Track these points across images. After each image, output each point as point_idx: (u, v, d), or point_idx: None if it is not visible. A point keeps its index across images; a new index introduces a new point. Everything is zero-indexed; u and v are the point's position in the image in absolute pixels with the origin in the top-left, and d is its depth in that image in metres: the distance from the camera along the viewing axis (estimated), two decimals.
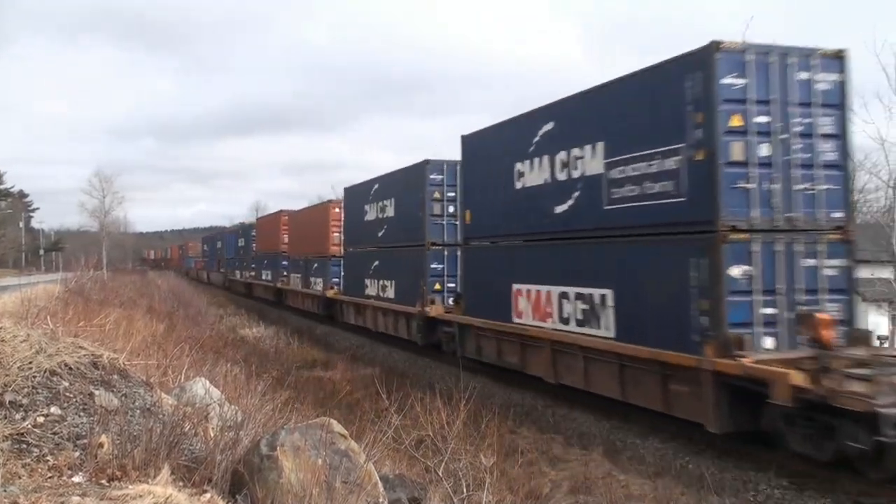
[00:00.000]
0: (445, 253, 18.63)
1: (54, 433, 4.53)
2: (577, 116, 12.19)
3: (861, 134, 16.27)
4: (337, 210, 27.94)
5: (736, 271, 9.08)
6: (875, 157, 22.92)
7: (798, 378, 7.89)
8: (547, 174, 12.85)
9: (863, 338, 9.11)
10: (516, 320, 13.75)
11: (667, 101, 9.98)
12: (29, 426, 4.48)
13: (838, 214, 9.53)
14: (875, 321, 18.37)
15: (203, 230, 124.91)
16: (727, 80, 9.19)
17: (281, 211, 38.64)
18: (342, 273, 26.77)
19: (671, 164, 9.85)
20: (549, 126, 12.90)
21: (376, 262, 22.31)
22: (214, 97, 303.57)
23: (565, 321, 12.23)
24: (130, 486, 3.94)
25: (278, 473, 4.37)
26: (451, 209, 18.66)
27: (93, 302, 15.52)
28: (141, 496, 3.79)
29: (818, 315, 8.19)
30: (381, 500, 4.73)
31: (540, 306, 13.01)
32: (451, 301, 18.20)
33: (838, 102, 9.58)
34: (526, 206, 13.57)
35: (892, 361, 7.98)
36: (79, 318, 9.36)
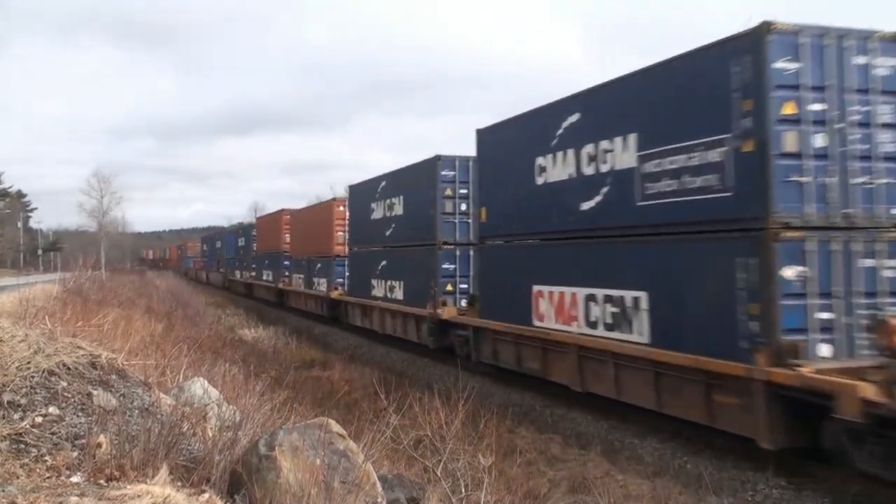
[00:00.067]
0: (458, 253, 17.83)
1: (52, 433, 4.51)
2: (607, 107, 11.43)
3: None
4: (341, 209, 27.22)
5: (789, 272, 8.32)
6: None
7: (869, 390, 7.12)
8: (572, 168, 12.09)
9: None
10: (537, 324, 12.99)
11: (710, 88, 9.22)
12: (27, 426, 4.46)
13: None
14: None
15: (201, 230, 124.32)
16: (779, 65, 8.43)
17: (282, 210, 37.78)
18: (347, 273, 26.00)
19: (715, 156, 9.09)
20: (574, 118, 12.14)
21: (384, 263, 21.53)
22: (213, 97, 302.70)
23: (592, 325, 11.47)
24: (129, 486, 3.92)
25: (276, 473, 4.34)
26: (464, 207, 17.89)
27: (91, 302, 15.25)
28: (139, 496, 3.76)
29: (893, 321, 7.42)
30: (379, 499, 4.71)
31: (564, 309, 12.25)
32: (463, 303, 17.45)
33: None
34: (548, 202, 12.80)
35: None
36: (77, 318, 9.26)
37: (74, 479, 4.12)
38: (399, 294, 20.15)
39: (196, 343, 11.63)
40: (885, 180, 8.65)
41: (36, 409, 4.64)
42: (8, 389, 4.70)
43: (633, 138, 10.60)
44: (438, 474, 5.84)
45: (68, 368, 5.11)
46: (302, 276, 31.78)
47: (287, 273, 35.15)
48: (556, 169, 12.56)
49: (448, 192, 17.84)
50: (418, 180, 18.97)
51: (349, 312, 25.30)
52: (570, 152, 12.12)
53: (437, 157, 17.88)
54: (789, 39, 8.49)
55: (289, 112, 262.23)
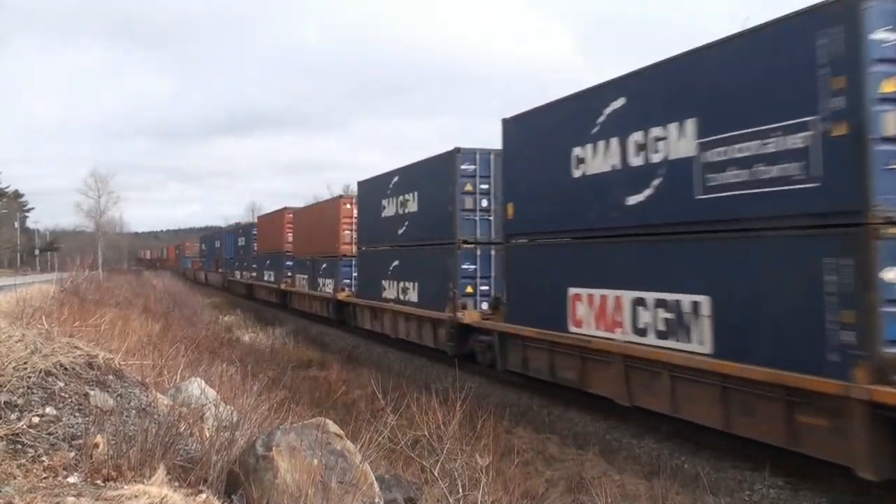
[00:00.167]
0: (478, 252, 16.58)
1: (49, 433, 4.50)
2: (659, 90, 10.26)
3: None
4: (348, 206, 26.01)
5: (892, 275, 7.20)
6: None
7: None
8: (616, 159, 10.95)
9: None
10: (574, 330, 11.84)
11: (790, 65, 8.09)
12: (24, 426, 4.45)
13: None
14: None
15: (199, 230, 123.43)
16: (878, 35, 7.29)
17: (285, 208, 36.40)
18: (355, 274, 24.81)
19: (796, 141, 7.95)
20: (618, 103, 10.98)
21: (396, 262, 20.31)
22: (210, 97, 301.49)
23: (641, 332, 10.32)
24: (126, 487, 3.91)
25: (274, 474, 4.32)
26: (485, 203, 16.69)
27: (88, 302, 15.11)
28: (136, 496, 3.74)
29: None
30: (376, 500, 4.69)
31: (606, 314, 11.10)
32: (484, 306, 16.30)
33: None
34: (587, 197, 11.65)
35: None
36: (74, 319, 9.22)
37: (71, 479, 4.10)
38: (413, 296, 18.95)
39: (193, 343, 11.36)
40: None
41: (33, 410, 4.64)
42: (5, 390, 4.69)
43: (691, 124, 9.45)
44: (436, 474, 5.80)
45: (65, 369, 5.12)
46: (306, 276, 30.64)
47: (290, 273, 34.00)
48: (596, 160, 11.40)
49: (468, 187, 16.60)
50: (435, 175, 17.73)
51: (357, 315, 24.00)
52: (614, 141, 10.97)
53: (457, 150, 16.65)
54: (889, 7, 7.37)
55: (287, 112, 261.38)
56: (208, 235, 73.83)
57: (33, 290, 16.79)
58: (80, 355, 5.39)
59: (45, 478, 4.09)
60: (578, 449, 10.64)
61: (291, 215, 34.88)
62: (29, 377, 4.88)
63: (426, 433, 6.54)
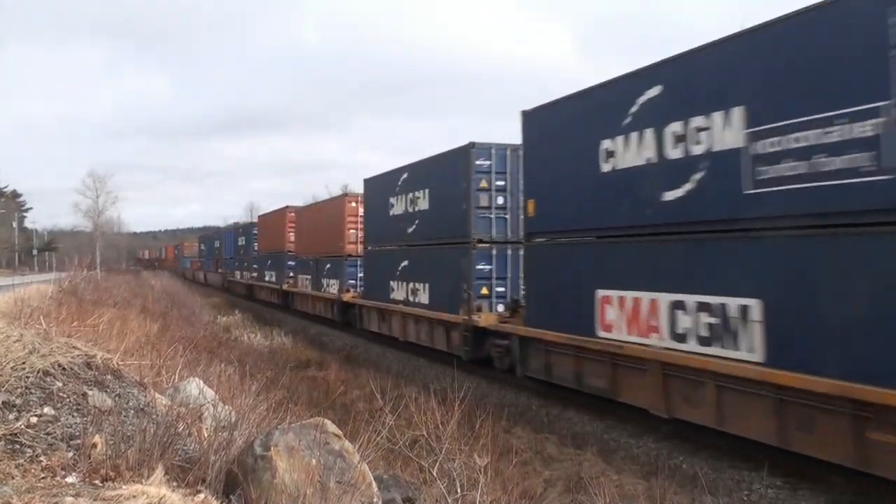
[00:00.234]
0: (494, 252, 15.77)
1: (48, 433, 4.47)
2: (701, 76, 9.50)
3: None
4: (353, 204, 25.23)
5: None
6: None
7: None
8: (651, 152, 10.20)
9: None
10: (603, 335, 11.08)
11: (857, 46, 7.36)
12: (22, 426, 4.43)
13: None
14: None
15: (197, 230, 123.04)
16: None
17: (287, 207, 35.56)
18: (360, 274, 24.05)
19: (865, 129, 7.19)
20: (654, 91, 10.23)
21: (405, 263, 19.51)
22: (208, 97, 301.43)
23: (680, 338, 9.56)
24: (124, 487, 3.87)
25: (272, 474, 4.30)
26: (501, 200, 15.86)
27: (86, 302, 15.00)
28: (135, 496, 3.70)
29: None
30: (375, 500, 4.68)
31: (639, 318, 10.35)
32: (500, 308, 15.54)
33: None
34: (617, 192, 10.89)
35: None
36: (72, 319, 9.24)
37: (70, 479, 4.08)
38: (424, 298, 18.15)
39: (192, 343, 11.23)
40: None
41: (31, 410, 4.63)
42: (3, 390, 4.69)
43: (738, 112, 8.71)
44: (434, 474, 5.79)
45: (63, 369, 5.12)
46: (309, 277, 29.89)
47: (292, 274, 33.26)
48: (628, 153, 10.65)
49: (483, 183, 15.79)
50: (448, 171, 16.89)
51: (364, 317, 23.13)
52: (649, 133, 10.22)
53: (472, 145, 15.84)
54: None
55: (285, 112, 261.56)
56: (208, 235, 73.15)
57: (31, 290, 16.79)
58: (78, 355, 5.40)
59: (43, 478, 4.07)
60: (577, 449, 10.64)
61: (293, 214, 34.11)
62: (27, 377, 4.89)
63: (424, 433, 6.51)
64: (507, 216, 15.86)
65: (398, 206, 19.97)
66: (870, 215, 7.20)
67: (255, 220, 48.81)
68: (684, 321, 9.51)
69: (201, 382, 6.89)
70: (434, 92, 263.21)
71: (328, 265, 26.98)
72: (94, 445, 4.30)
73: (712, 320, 9.04)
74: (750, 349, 8.48)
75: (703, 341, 9.16)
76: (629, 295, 10.58)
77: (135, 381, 5.66)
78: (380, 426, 6.10)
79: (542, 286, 13.01)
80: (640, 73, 10.61)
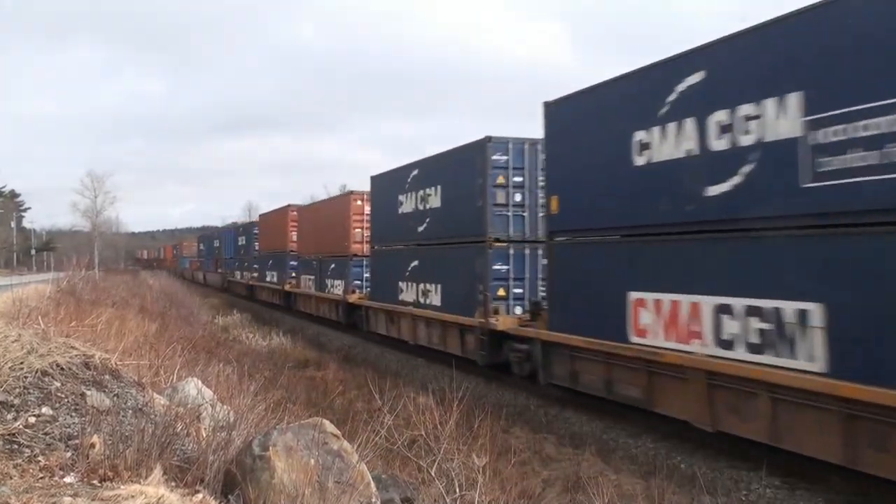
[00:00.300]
0: (511, 251, 14.99)
1: (46, 433, 4.47)
2: (749, 60, 8.79)
3: None
4: (359, 203, 24.16)
5: None
6: None
7: None
8: (692, 143, 9.45)
9: None
10: (636, 340, 10.33)
11: None
12: (20, 426, 4.42)
13: None
14: None
15: (196, 230, 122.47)
16: None
17: (289, 205, 34.74)
18: (367, 275, 23.16)
19: None
20: (694, 78, 9.49)
21: (415, 263, 18.68)
22: (207, 96, 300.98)
23: (726, 345, 8.81)
24: (122, 487, 3.88)
25: (270, 474, 4.28)
26: (518, 197, 15.09)
27: (84, 302, 14.99)
28: (133, 496, 3.72)
29: None
30: (373, 499, 4.65)
31: (678, 323, 9.60)
32: (518, 310, 14.79)
33: None
34: (653, 187, 10.14)
35: None
36: (70, 318, 9.27)
37: (68, 479, 4.07)
38: (435, 299, 17.33)
39: (190, 343, 11.28)
40: None
41: (29, 410, 4.64)
42: (1, 390, 4.70)
43: (794, 99, 7.98)
44: (433, 474, 5.78)
45: (62, 369, 5.14)
46: (312, 277, 29.14)
47: (294, 274, 32.43)
48: (665, 145, 9.91)
49: (500, 179, 14.99)
50: (462, 167, 16.04)
51: (371, 319, 22.22)
52: (689, 123, 9.49)
53: (488, 139, 14.99)
54: None
55: (283, 112, 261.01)
56: (207, 235, 72.46)
57: (29, 290, 17.11)
58: (76, 355, 5.40)
59: (41, 478, 4.06)
60: (575, 449, 10.63)
61: (296, 213, 33.20)
62: (25, 377, 4.90)
63: (423, 433, 6.49)
64: (524, 214, 15.16)
65: (408, 204, 19.16)
66: None
67: (256, 219, 48.09)
68: (731, 326, 8.77)
69: (199, 382, 6.92)
70: (435, 92, 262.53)
71: (332, 265, 26.21)
72: (93, 445, 4.30)
73: (764, 326, 8.31)
74: (810, 358, 7.75)
75: (754, 348, 8.43)
76: (666, 297, 9.84)
77: (133, 381, 5.68)
78: (378, 426, 6.14)
79: (567, 287, 12.22)
80: (679, 58, 9.87)
